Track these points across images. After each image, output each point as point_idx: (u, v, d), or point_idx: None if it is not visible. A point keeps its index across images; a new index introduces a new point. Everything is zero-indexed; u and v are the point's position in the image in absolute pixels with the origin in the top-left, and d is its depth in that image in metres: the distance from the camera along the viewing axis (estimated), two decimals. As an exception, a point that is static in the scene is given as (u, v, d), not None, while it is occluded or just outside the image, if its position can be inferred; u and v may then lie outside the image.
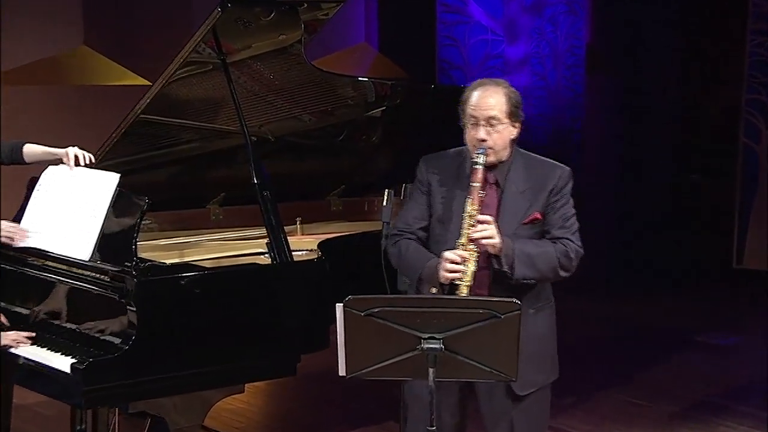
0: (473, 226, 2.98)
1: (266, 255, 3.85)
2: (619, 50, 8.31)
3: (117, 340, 3.36)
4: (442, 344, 2.69)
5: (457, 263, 2.96)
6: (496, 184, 3.14)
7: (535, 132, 7.41)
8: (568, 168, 3.18)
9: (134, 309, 3.31)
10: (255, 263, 3.88)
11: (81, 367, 3.23)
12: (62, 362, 3.31)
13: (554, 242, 3.10)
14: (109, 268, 3.43)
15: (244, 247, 4.19)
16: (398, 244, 3.20)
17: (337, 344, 2.78)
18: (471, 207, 3.00)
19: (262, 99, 4.26)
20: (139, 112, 3.89)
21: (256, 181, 3.76)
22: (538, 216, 3.11)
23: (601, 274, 8.08)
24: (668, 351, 6.12)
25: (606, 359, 6.06)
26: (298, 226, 4.56)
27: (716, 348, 6.22)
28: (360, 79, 4.52)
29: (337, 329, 2.75)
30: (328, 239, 4.04)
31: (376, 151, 4.78)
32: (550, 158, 3.22)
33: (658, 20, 8.27)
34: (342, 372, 2.79)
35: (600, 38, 8.14)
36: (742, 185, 7.89)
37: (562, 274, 3.11)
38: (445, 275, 2.99)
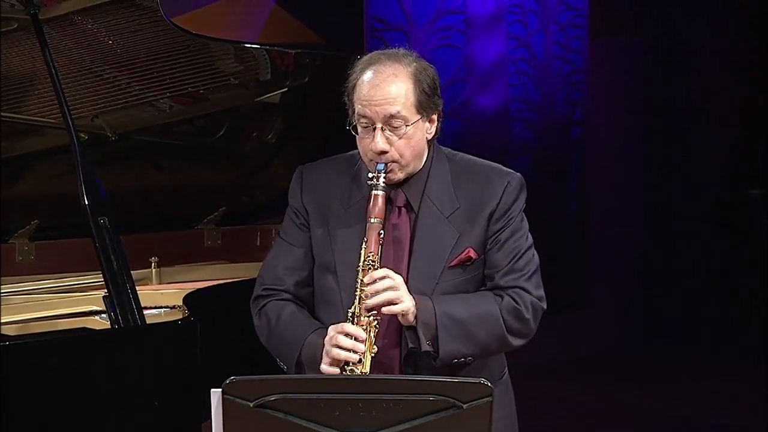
0: (372, 283, 2.95)
1: (102, 316, 3.84)
2: (640, 2, 8.45)
3: None
4: (374, 449, 2.70)
5: (345, 346, 2.92)
6: (407, 206, 3.10)
7: (512, 125, 7.49)
8: (517, 174, 3.15)
9: None
10: (84, 328, 3.85)
11: None
12: None
13: (499, 295, 3.08)
14: None
15: (68, 303, 4.17)
16: (266, 310, 3.15)
17: (212, 452, 2.78)
18: (366, 257, 2.97)
19: (97, 75, 4.26)
20: None
21: (86, 202, 3.75)
22: (472, 254, 3.09)
23: (628, 342, 8.18)
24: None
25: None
26: (154, 271, 4.57)
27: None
28: (249, 45, 4.55)
29: (213, 428, 2.74)
30: (199, 290, 4.06)
31: (273, 156, 4.81)
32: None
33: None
34: (220, 494, 2.78)
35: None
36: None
37: (514, 342, 3.09)
38: (327, 364, 2.96)
